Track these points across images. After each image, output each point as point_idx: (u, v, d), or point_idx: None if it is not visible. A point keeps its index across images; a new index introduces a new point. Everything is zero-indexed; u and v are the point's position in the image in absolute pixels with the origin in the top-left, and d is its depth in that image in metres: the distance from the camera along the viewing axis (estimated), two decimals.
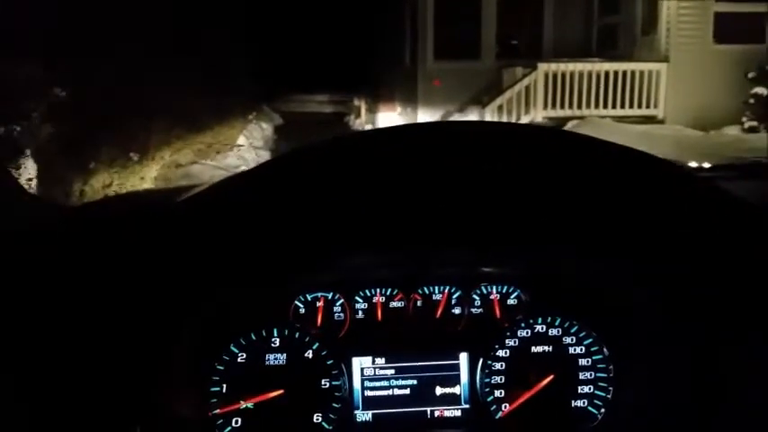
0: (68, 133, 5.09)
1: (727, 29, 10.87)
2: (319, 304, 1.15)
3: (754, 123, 10.22)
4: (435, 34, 13.13)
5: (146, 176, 6.82)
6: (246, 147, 11.63)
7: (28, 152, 4.45)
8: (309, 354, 1.11)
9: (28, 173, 4.44)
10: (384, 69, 18.01)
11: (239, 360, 1.09)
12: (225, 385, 1.07)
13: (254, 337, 1.10)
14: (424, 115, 13.43)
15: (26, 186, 4.35)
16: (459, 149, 0.81)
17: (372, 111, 17.60)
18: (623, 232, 0.84)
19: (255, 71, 17.45)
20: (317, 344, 1.12)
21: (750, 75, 10.33)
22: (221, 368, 1.08)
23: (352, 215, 0.85)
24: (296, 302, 1.15)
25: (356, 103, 20.02)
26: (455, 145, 0.81)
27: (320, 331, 1.13)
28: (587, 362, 1.14)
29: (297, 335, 1.11)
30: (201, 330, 0.97)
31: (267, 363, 1.09)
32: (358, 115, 19.23)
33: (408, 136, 0.82)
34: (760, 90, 10.21)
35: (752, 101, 10.29)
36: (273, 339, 1.11)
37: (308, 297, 1.16)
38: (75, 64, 5.38)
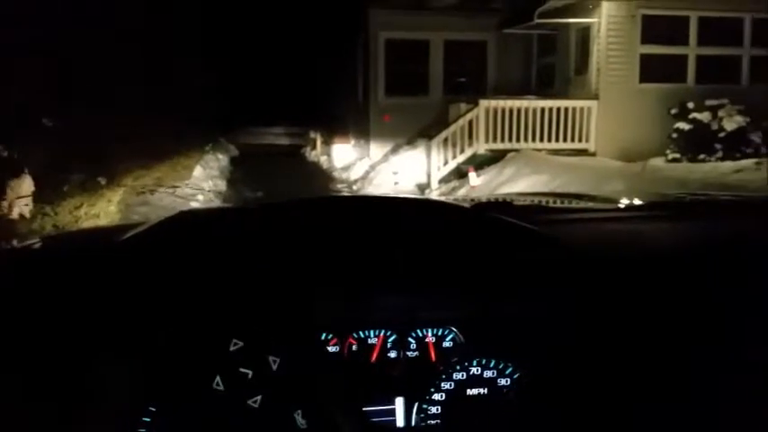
0: (50, 158, 5.53)
1: (652, 69, 11.85)
2: None
3: (677, 155, 11.07)
4: (386, 71, 13.88)
5: (112, 200, 7.19)
6: (202, 177, 12.07)
7: (25, 172, 4.85)
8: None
9: (16, 192, 4.85)
10: (338, 103, 18.49)
11: (170, 409, 1.02)
12: None
13: (184, 386, 1.03)
14: (376, 147, 14.05)
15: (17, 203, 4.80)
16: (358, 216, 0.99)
17: (327, 143, 18.05)
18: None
19: (213, 105, 17.87)
20: None
21: (673, 111, 11.29)
22: (147, 419, 1.00)
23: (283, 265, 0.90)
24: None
25: (312, 135, 20.49)
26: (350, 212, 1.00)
27: None
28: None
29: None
30: (128, 380, 0.91)
31: (197, 412, 1.04)
32: (314, 147, 19.70)
33: (323, 206, 0.99)
34: (681, 125, 11.12)
35: (675, 135, 11.18)
36: (204, 390, 1.04)
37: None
38: (58, 94, 5.85)
